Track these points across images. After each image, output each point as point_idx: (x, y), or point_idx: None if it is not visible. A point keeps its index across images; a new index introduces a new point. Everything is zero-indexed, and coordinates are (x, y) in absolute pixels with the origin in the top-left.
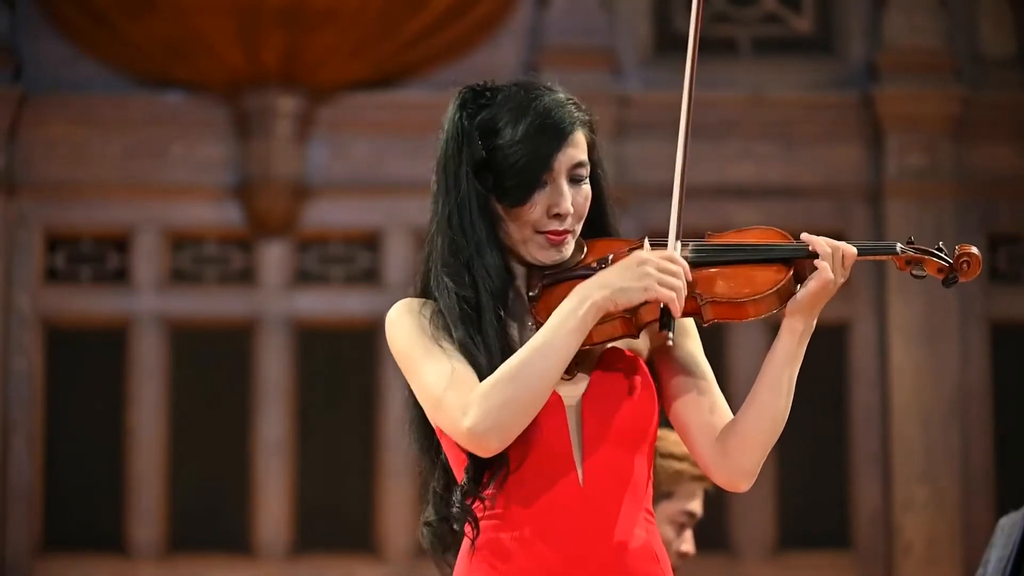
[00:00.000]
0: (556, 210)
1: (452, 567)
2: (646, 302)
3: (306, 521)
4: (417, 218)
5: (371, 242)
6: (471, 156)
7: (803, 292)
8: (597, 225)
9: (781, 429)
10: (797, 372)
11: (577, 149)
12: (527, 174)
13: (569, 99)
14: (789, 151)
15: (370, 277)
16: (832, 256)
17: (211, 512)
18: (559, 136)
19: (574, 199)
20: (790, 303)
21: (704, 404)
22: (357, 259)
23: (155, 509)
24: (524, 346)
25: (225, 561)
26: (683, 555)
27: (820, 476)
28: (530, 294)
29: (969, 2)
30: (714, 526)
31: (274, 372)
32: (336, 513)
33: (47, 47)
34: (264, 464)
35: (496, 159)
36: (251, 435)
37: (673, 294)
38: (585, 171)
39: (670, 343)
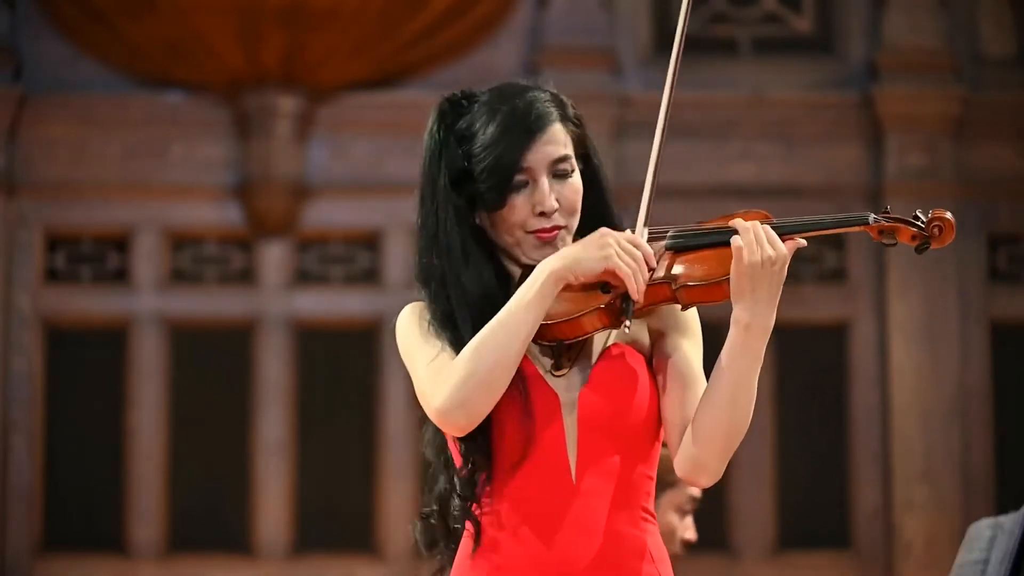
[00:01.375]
0: (540, 208)
1: (448, 561)
2: (607, 280)
3: (306, 521)
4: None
5: (371, 242)
6: (450, 166)
7: (732, 273)
8: (597, 217)
9: (738, 427)
10: (751, 367)
11: (554, 145)
12: (498, 177)
13: (545, 96)
14: (789, 151)
15: (370, 277)
16: (748, 231)
17: (211, 512)
18: (527, 135)
19: (560, 194)
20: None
21: (687, 399)
22: (357, 259)
23: (155, 509)
24: (488, 322)
25: (225, 561)
26: (687, 543)
27: (820, 476)
28: None
29: (969, 2)
30: (714, 526)
31: (274, 372)
32: (336, 513)
33: (47, 47)
34: (264, 464)
35: (471, 165)
36: (251, 435)
37: (629, 271)
38: (569, 165)
39: (626, 330)
